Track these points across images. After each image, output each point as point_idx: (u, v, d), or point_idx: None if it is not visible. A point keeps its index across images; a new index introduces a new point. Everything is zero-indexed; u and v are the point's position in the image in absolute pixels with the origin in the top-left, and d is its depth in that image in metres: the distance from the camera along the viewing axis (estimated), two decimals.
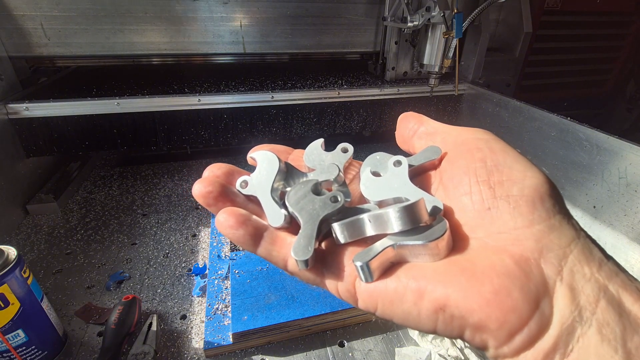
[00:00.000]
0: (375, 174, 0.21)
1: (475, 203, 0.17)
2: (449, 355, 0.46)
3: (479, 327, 0.14)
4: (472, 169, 0.17)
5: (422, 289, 0.15)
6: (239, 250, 0.62)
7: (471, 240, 0.16)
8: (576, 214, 0.69)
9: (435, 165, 0.21)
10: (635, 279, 0.15)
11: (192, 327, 0.50)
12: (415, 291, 0.15)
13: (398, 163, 0.21)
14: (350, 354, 0.47)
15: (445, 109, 0.99)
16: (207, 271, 0.59)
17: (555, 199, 0.16)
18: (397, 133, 0.23)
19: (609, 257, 0.15)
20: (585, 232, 0.16)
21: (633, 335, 0.13)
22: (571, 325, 0.13)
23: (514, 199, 0.15)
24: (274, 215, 0.20)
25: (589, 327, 0.13)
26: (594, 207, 0.65)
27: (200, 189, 0.21)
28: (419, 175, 0.21)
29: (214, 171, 0.24)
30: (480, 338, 0.14)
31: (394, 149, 0.23)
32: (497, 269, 0.14)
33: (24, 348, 0.41)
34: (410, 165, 0.20)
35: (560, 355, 0.13)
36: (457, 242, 0.17)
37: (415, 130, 0.22)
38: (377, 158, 0.22)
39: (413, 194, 0.19)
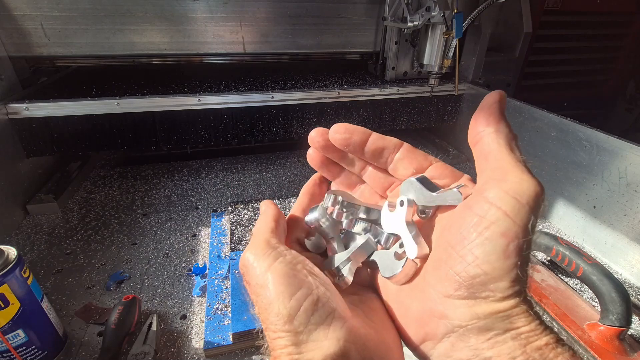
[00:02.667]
0: (391, 204, 0.24)
1: (437, 257, 0.20)
2: None
3: (402, 338, 0.22)
4: (455, 231, 0.19)
5: None
6: (239, 250, 0.62)
7: (420, 280, 0.21)
8: (576, 214, 0.69)
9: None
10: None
11: (192, 327, 0.50)
12: None
13: (401, 203, 0.23)
14: None
15: (445, 109, 0.99)
16: (207, 271, 0.59)
17: (490, 289, 0.17)
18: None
19: (527, 331, 0.17)
20: (520, 315, 0.17)
21: None
22: None
23: (452, 273, 0.18)
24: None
25: None
26: (594, 207, 0.65)
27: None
28: (445, 210, 0.22)
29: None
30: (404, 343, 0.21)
31: None
32: (410, 313, 0.20)
33: (24, 348, 0.41)
34: (423, 209, 0.23)
35: None
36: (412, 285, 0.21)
37: (482, 136, 0.20)
38: (411, 183, 0.23)
39: (403, 234, 0.22)
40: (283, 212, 0.31)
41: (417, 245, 0.21)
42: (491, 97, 0.20)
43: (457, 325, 0.18)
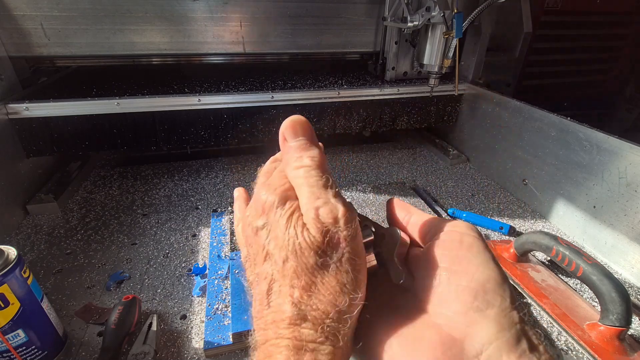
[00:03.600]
0: None
1: (434, 284, 0.20)
2: None
3: None
4: (442, 256, 0.21)
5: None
6: (239, 250, 0.62)
7: (420, 313, 0.20)
8: (576, 214, 0.69)
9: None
10: None
11: (192, 327, 0.50)
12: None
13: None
14: None
15: (445, 109, 0.99)
16: (207, 271, 0.59)
17: (499, 293, 0.18)
18: (389, 218, 0.27)
19: (537, 347, 0.18)
20: (525, 322, 0.18)
21: None
22: None
23: (461, 288, 0.19)
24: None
25: None
26: (594, 207, 0.66)
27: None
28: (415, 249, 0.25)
29: None
30: None
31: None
32: (425, 342, 0.18)
33: (24, 348, 0.41)
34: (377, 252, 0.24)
35: None
36: (411, 310, 0.21)
37: (408, 221, 0.25)
38: None
39: None
40: None
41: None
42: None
43: (487, 342, 0.17)
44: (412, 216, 0.26)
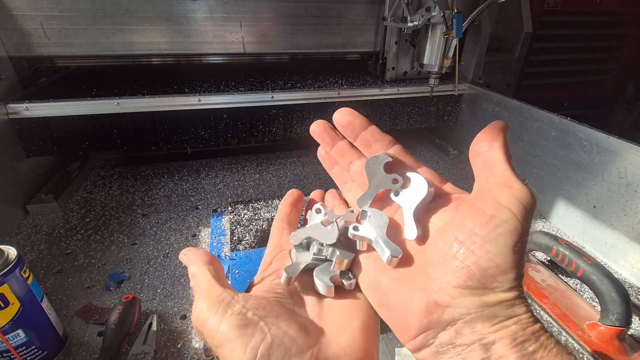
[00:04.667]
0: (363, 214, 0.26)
1: (443, 251, 0.21)
2: None
3: (395, 332, 0.22)
4: (462, 226, 0.20)
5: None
6: (239, 250, 0.62)
7: (419, 272, 0.22)
8: (576, 214, 0.69)
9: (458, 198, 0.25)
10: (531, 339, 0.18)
11: (192, 327, 0.50)
12: None
13: (364, 213, 0.26)
14: None
15: (445, 109, 0.99)
16: None
17: (498, 280, 0.19)
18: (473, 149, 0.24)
19: (526, 317, 0.19)
20: (518, 305, 0.19)
21: None
22: (443, 350, 0.19)
23: (462, 266, 0.19)
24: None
25: (456, 355, 0.19)
26: (594, 207, 0.66)
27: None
28: (440, 199, 0.25)
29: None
30: (397, 337, 0.22)
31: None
32: (414, 303, 0.21)
33: (24, 348, 0.41)
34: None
35: None
36: (412, 268, 0.23)
37: (486, 149, 0.22)
38: (377, 161, 0.26)
39: (405, 215, 0.24)
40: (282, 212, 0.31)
41: (413, 229, 0.23)
42: (498, 123, 0.22)
43: (465, 313, 0.19)
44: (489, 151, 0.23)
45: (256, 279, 0.27)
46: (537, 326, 0.19)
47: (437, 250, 0.21)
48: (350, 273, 0.25)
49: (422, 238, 0.23)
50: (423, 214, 0.24)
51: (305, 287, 0.26)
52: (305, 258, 0.26)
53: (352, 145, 0.29)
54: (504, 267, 0.19)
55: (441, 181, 0.26)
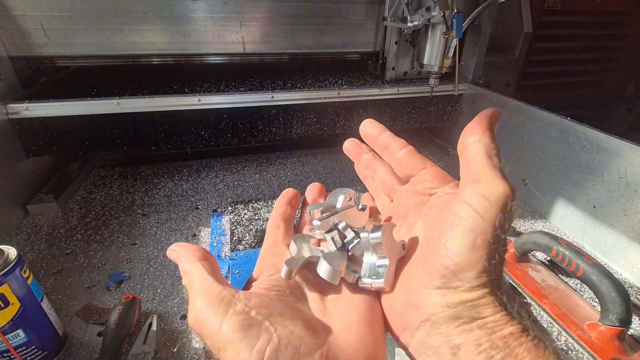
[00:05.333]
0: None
1: (419, 252, 0.22)
2: None
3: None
4: (434, 229, 0.21)
5: None
6: (239, 250, 0.62)
7: (410, 269, 0.23)
8: (576, 214, 0.69)
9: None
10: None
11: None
12: None
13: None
14: None
15: (445, 109, 0.99)
16: None
17: (467, 280, 0.19)
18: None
19: (493, 321, 0.19)
20: (486, 305, 0.19)
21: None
22: (421, 350, 0.20)
23: (433, 268, 0.20)
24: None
25: (432, 355, 0.19)
26: (594, 207, 0.65)
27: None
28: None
29: None
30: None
31: None
32: (395, 303, 0.22)
33: (24, 348, 0.41)
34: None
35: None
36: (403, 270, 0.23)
37: (467, 145, 0.22)
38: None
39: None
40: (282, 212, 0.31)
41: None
42: (486, 112, 0.22)
43: (430, 313, 0.19)
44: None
45: (254, 274, 0.26)
46: (508, 330, 0.18)
47: (417, 253, 0.22)
48: (352, 267, 0.25)
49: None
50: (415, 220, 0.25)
51: (307, 283, 0.25)
52: (305, 252, 0.26)
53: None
54: (463, 264, 0.18)
55: (445, 180, 0.25)
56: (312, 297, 0.24)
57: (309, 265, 0.26)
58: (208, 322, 0.19)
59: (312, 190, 0.32)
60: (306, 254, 0.26)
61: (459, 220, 0.19)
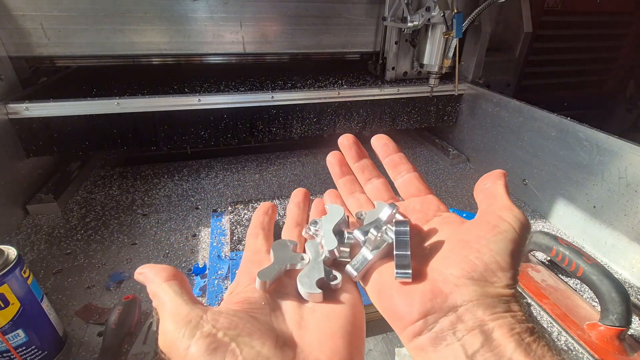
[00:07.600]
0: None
1: (447, 249, 0.24)
2: None
3: (393, 320, 0.22)
4: (469, 232, 0.24)
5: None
6: (239, 250, 0.62)
7: (431, 264, 0.24)
8: (576, 214, 0.69)
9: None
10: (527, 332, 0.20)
11: None
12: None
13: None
14: None
15: (445, 109, 0.99)
16: (207, 271, 0.59)
17: (498, 275, 0.21)
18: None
19: (521, 315, 0.20)
20: (515, 301, 0.21)
21: (485, 352, 0.19)
22: (443, 336, 0.20)
23: (466, 259, 0.22)
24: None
25: (456, 341, 0.20)
26: (594, 207, 0.66)
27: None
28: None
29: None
30: (392, 326, 0.23)
31: None
32: (419, 290, 0.22)
33: (24, 348, 0.41)
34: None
35: (433, 348, 0.20)
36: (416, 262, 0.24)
37: (489, 185, 0.27)
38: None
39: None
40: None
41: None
42: (499, 171, 0.27)
43: (468, 300, 0.20)
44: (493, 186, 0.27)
45: (233, 284, 0.26)
46: (530, 324, 0.20)
47: (445, 249, 0.24)
48: (334, 271, 0.24)
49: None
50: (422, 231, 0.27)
51: (284, 291, 0.24)
52: (283, 259, 0.25)
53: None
54: (503, 264, 0.21)
55: (442, 209, 0.28)
56: (288, 306, 0.24)
57: (288, 273, 0.25)
58: (176, 344, 0.19)
59: (297, 194, 0.33)
60: (284, 262, 0.25)
61: (500, 230, 0.22)
